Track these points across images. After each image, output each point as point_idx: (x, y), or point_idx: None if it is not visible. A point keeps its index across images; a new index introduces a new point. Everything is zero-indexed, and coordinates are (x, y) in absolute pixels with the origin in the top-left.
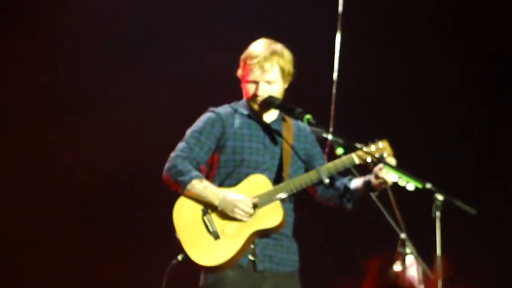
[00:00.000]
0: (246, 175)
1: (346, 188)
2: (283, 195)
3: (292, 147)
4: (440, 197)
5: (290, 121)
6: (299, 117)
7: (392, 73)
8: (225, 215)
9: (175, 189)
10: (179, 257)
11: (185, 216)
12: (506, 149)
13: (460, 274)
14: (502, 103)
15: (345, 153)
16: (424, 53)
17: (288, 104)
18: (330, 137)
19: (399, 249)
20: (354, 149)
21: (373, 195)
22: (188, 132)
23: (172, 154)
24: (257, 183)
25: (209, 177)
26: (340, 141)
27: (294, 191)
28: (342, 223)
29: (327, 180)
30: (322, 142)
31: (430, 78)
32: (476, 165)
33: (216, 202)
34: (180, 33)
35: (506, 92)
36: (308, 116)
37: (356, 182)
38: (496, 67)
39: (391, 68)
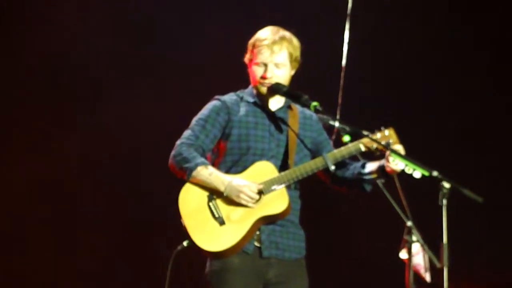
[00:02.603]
0: (252, 162)
1: (360, 173)
2: (289, 182)
3: (298, 135)
4: (446, 185)
5: (296, 109)
6: (306, 104)
7: (400, 61)
8: (230, 201)
9: (181, 176)
10: (185, 243)
11: (191, 202)
12: None
13: (466, 262)
14: None
15: (352, 140)
16: (434, 41)
17: (295, 91)
18: (337, 124)
19: (405, 237)
20: (361, 136)
21: (379, 183)
22: (194, 120)
23: (178, 142)
24: (263, 170)
25: (215, 164)
26: (347, 128)
27: (300, 177)
28: (349, 210)
29: (332, 167)
30: (329, 129)
31: (440, 65)
32: (485, 153)
33: (222, 187)
34: (182, 28)
35: None
36: (315, 103)
37: (370, 167)
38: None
39: (399, 55)
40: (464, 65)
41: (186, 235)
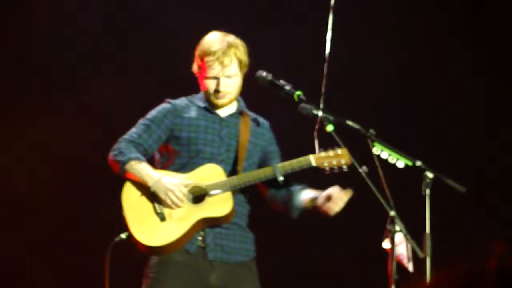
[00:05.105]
0: (201, 166)
1: (293, 197)
2: (235, 187)
3: (249, 142)
4: (430, 174)
5: (249, 116)
6: (289, 94)
7: (385, 51)
8: None
9: (117, 169)
10: (123, 235)
11: (135, 196)
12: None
13: (450, 252)
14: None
15: (336, 130)
16: (420, 31)
17: (279, 80)
18: (320, 113)
19: (389, 227)
20: (344, 126)
21: (363, 172)
22: (141, 119)
23: (121, 138)
24: (211, 172)
25: (164, 167)
26: (331, 117)
27: (247, 184)
28: None
29: (281, 178)
30: (313, 119)
31: (424, 55)
32: (470, 143)
33: (150, 182)
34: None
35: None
36: (298, 93)
37: (306, 194)
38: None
39: (385, 43)
40: (451, 53)
41: (126, 228)
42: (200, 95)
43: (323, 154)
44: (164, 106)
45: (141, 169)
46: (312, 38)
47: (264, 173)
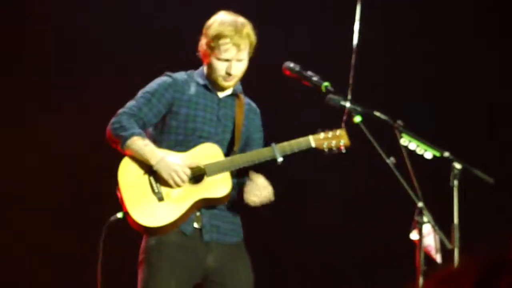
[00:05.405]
0: (196, 144)
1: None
2: (234, 168)
3: (243, 125)
4: (458, 165)
5: (243, 99)
6: (317, 85)
7: (413, 42)
8: None
9: (115, 145)
10: (119, 215)
11: (131, 174)
12: (503, 127)
13: (478, 243)
14: None
15: (363, 121)
16: (448, 23)
17: (307, 71)
18: (348, 104)
19: (416, 218)
20: (372, 117)
21: (390, 163)
22: (140, 91)
23: (120, 111)
24: (209, 152)
25: (157, 142)
26: (358, 108)
27: (246, 165)
28: (360, 192)
29: (280, 159)
30: (340, 110)
31: (451, 47)
32: (496, 133)
33: (153, 161)
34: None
35: None
36: (326, 83)
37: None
38: None
39: (412, 33)
40: (451, 53)
41: (122, 207)
42: (200, 71)
43: (322, 135)
44: (165, 79)
45: (144, 145)
46: (338, 30)
47: (262, 154)
